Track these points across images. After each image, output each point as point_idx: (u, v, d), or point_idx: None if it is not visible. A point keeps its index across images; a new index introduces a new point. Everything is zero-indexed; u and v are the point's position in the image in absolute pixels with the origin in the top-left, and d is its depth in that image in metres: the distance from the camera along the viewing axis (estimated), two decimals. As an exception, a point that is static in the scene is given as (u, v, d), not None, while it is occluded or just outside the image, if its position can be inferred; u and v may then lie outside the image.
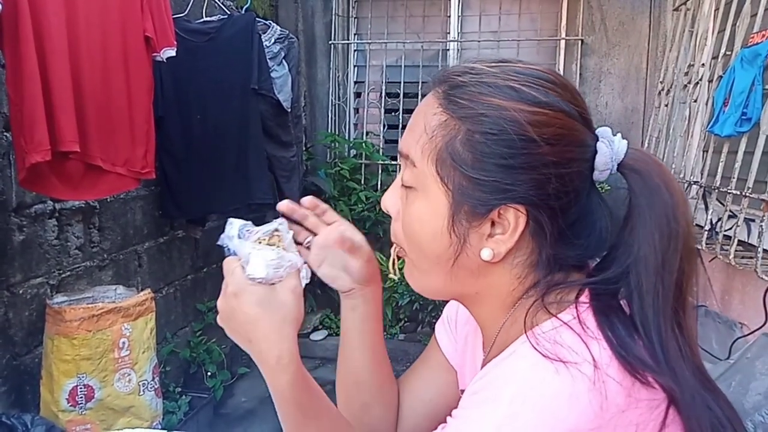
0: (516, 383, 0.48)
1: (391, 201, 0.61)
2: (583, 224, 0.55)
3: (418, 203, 0.57)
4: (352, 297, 0.74)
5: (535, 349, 0.48)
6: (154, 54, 1.90)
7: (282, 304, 0.60)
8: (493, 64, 0.55)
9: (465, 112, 0.53)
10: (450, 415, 0.51)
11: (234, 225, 0.66)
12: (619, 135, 0.56)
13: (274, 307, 0.60)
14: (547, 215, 0.53)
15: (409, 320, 3.57)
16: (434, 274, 0.59)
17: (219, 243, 0.67)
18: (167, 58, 1.93)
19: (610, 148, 0.55)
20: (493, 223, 0.54)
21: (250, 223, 0.66)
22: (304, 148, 3.43)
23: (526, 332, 0.51)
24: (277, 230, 0.65)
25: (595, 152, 0.55)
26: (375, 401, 0.76)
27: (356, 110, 3.82)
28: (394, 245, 0.63)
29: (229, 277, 0.61)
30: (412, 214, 0.58)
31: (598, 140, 0.55)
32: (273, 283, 0.61)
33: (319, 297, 3.65)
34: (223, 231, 0.67)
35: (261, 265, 0.60)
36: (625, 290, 0.53)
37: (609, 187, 3.28)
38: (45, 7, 1.47)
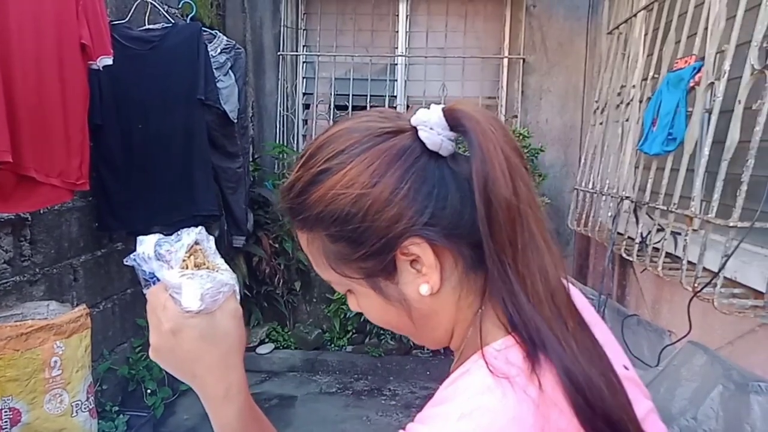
0: (464, 402, 0.49)
1: (352, 305, 0.64)
2: (469, 202, 0.54)
3: (359, 299, 0.61)
4: None
5: (488, 368, 0.50)
6: (90, 62, 1.84)
7: (225, 334, 0.59)
8: (297, 167, 0.58)
9: (308, 222, 0.57)
10: (403, 428, 0.51)
11: (146, 243, 0.62)
12: (432, 106, 0.56)
13: (218, 339, 0.59)
14: (429, 230, 0.54)
15: (357, 332, 3.57)
16: (415, 335, 0.62)
17: (127, 263, 0.63)
18: (104, 66, 1.88)
19: (429, 128, 0.55)
20: (411, 263, 0.56)
21: (162, 236, 0.63)
22: (251, 159, 3.39)
23: (482, 348, 0.52)
24: (197, 242, 0.63)
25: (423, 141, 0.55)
26: None
27: (305, 121, 3.81)
28: None
29: (161, 312, 0.59)
30: (364, 309, 0.61)
31: (417, 130, 0.55)
32: (211, 311, 0.59)
33: (266, 310, 3.60)
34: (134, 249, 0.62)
35: (196, 296, 0.58)
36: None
37: (549, 201, 3.40)
38: (-27, 11, 1.41)
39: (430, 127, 0.55)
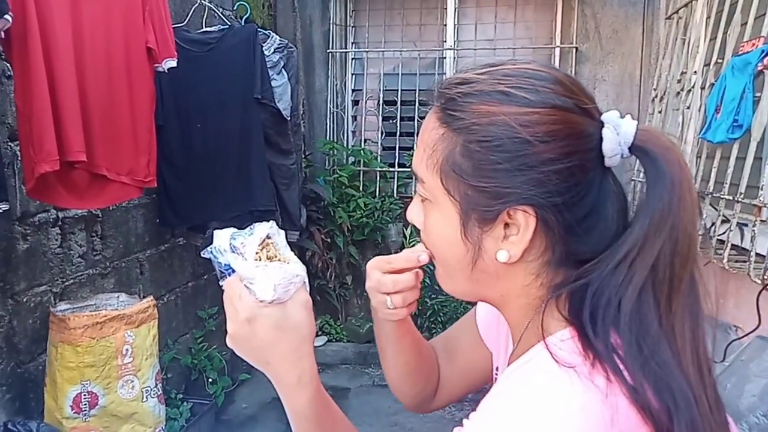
0: (531, 392, 0.49)
1: (413, 213, 0.63)
2: (596, 216, 0.55)
3: (434, 215, 0.59)
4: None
5: (553, 358, 0.50)
6: (156, 65, 1.93)
7: (298, 324, 0.61)
8: (483, 71, 0.56)
9: (459, 123, 0.55)
10: (467, 418, 0.52)
11: (221, 236, 0.64)
12: (628, 117, 0.55)
13: (290, 328, 0.60)
14: (553, 212, 0.53)
15: (408, 326, 3.59)
16: (458, 278, 0.60)
17: (204, 255, 0.65)
18: (168, 69, 1.97)
19: (615, 133, 0.54)
20: (506, 225, 0.55)
21: (236, 230, 0.65)
22: (303, 156, 3.46)
23: (544, 338, 0.52)
24: (268, 236, 0.65)
25: (601, 139, 0.54)
26: (420, 378, 0.82)
27: (354, 118, 3.85)
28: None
29: (237, 302, 0.61)
30: (430, 226, 0.60)
31: (603, 126, 0.55)
32: (283, 301, 0.61)
33: (319, 303, 3.67)
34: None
35: (270, 287, 0.59)
36: (602, 268, 0.53)
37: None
38: (52, 20, 1.50)
39: (618, 132, 0.54)
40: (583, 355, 0.50)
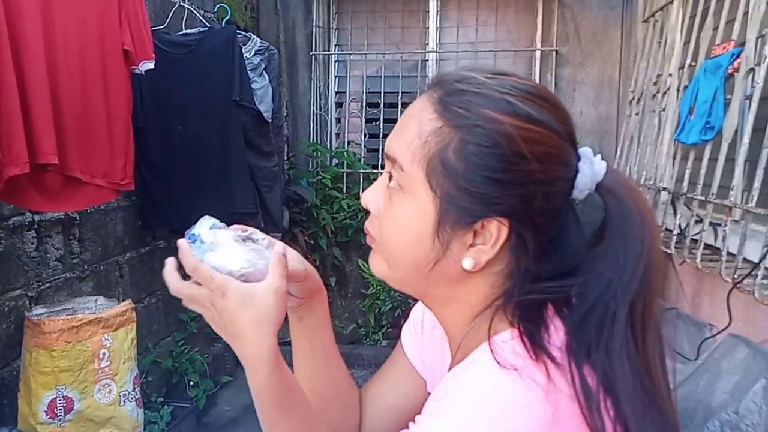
0: (474, 392, 0.49)
1: (372, 198, 0.61)
2: (558, 240, 0.56)
3: (404, 206, 0.57)
4: (297, 310, 0.73)
5: (494, 358, 0.50)
6: (133, 67, 1.91)
7: (263, 303, 0.60)
8: (491, 75, 0.56)
9: (460, 121, 0.54)
10: (413, 421, 0.52)
11: (207, 221, 0.64)
12: (599, 156, 0.58)
13: (256, 303, 0.59)
14: (530, 231, 0.54)
15: (392, 326, 3.60)
16: (410, 275, 0.59)
17: (187, 233, 0.65)
18: (146, 71, 1.95)
19: (591, 169, 0.56)
20: (475, 233, 0.55)
21: (222, 223, 0.65)
22: (286, 158, 3.45)
23: (489, 340, 0.53)
24: (250, 237, 0.65)
25: (577, 172, 0.56)
26: (332, 406, 0.76)
27: (338, 120, 3.86)
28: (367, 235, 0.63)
29: (209, 283, 0.60)
30: (397, 216, 0.58)
31: (580, 160, 0.57)
32: (252, 281, 0.61)
33: (302, 305, 3.66)
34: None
35: (239, 259, 0.60)
36: (579, 304, 0.55)
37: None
38: (21, 19, 1.49)
39: (591, 169, 0.56)
40: (523, 355, 0.51)
